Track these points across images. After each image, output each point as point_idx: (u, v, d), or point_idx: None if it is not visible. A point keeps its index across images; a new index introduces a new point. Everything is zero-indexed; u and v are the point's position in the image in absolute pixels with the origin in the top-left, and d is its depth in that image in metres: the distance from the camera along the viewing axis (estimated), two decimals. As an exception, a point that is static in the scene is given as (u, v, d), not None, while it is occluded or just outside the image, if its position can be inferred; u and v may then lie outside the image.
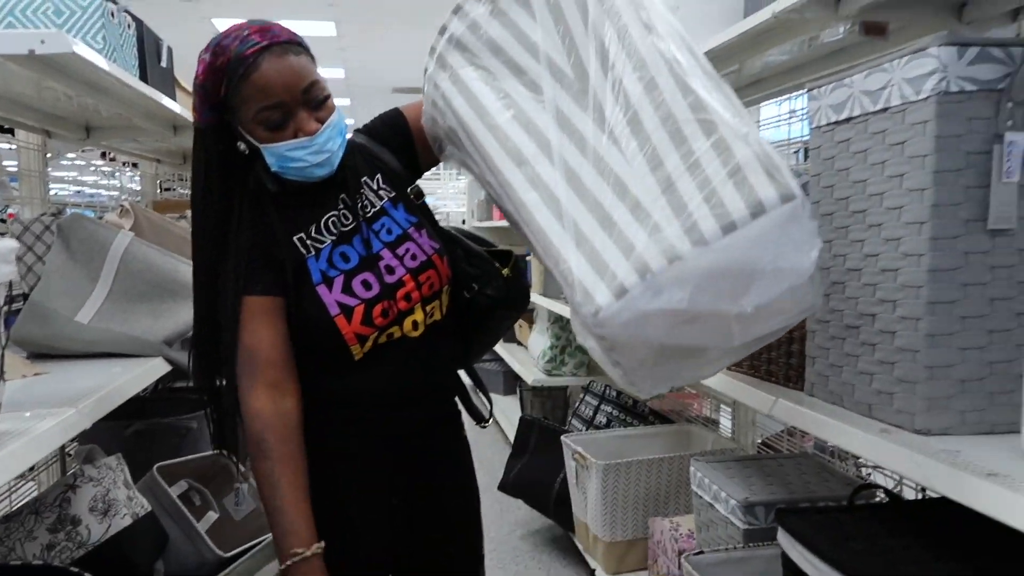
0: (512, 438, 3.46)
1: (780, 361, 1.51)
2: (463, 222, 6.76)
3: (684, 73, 1.04)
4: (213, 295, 1.30)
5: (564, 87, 1.13)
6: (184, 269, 1.80)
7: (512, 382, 5.00)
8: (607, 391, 3.28)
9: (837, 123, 1.29)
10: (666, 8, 1.14)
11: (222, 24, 7.78)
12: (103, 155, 3.72)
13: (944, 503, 1.27)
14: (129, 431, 2.16)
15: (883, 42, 1.37)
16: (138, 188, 3.54)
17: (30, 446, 1.02)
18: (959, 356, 1.11)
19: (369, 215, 1.37)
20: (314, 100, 1.27)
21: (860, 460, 2.25)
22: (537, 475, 3.18)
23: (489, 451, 4.39)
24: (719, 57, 1.75)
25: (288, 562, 1.22)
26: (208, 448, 2.35)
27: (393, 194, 1.42)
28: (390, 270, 1.33)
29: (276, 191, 1.32)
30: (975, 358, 1.11)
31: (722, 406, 3.15)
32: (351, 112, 12.97)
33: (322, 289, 1.29)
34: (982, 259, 1.09)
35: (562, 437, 2.83)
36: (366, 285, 1.31)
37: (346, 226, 1.35)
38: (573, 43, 1.14)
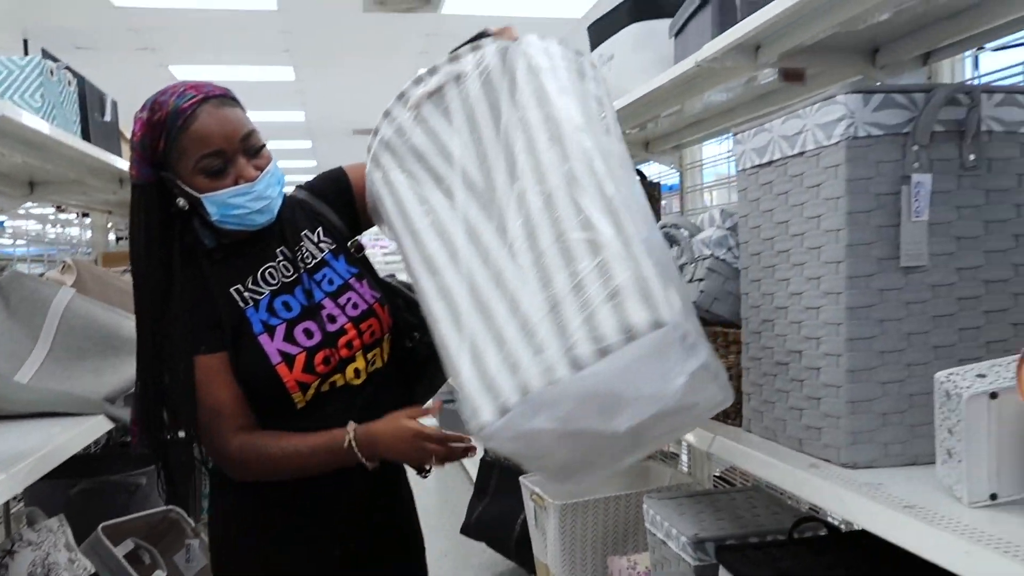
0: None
1: (720, 398, 1.54)
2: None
3: (581, 190, 1.06)
4: (158, 355, 1.30)
5: (475, 196, 1.17)
6: (128, 324, 1.78)
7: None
8: (567, 429, 3.28)
9: (760, 166, 1.33)
10: (579, 109, 1.15)
11: (179, 72, 7.78)
12: (58, 207, 3.68)
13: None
14: (75, 490, 2.12)
15: (803, 87, 1.42)
16: (88, 238, 3.51)
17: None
18: (880, 390, 1.14)
19: (310, 266, 1.39)
20: (252, 148, 1.31)
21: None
22: (498, 517, 3.17)
23: (453, 493, 4.35)
24: (653, 101, 1.80)
25: (350, 441, 1.26)
26: (158, 503, 2.32)
27: (334, 246, 1.44)
28: (332, 319, 1.34)
29: (213, 246, 1.33)
30: (895, 391, 1.14)
31: (681, 441, 3.17)
32: (313, 154, 12.98)
33: (264, 338, 1.31)
34: (897, 295, 1.14)
35: (520, 478, 2.82)
36: (308, 333, 1.32)
37: (287, 277, 1.37)
38: (485, 152, 1.18)
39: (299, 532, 1.38)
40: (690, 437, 1.52)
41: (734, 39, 1.29)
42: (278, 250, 1.38)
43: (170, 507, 2.19)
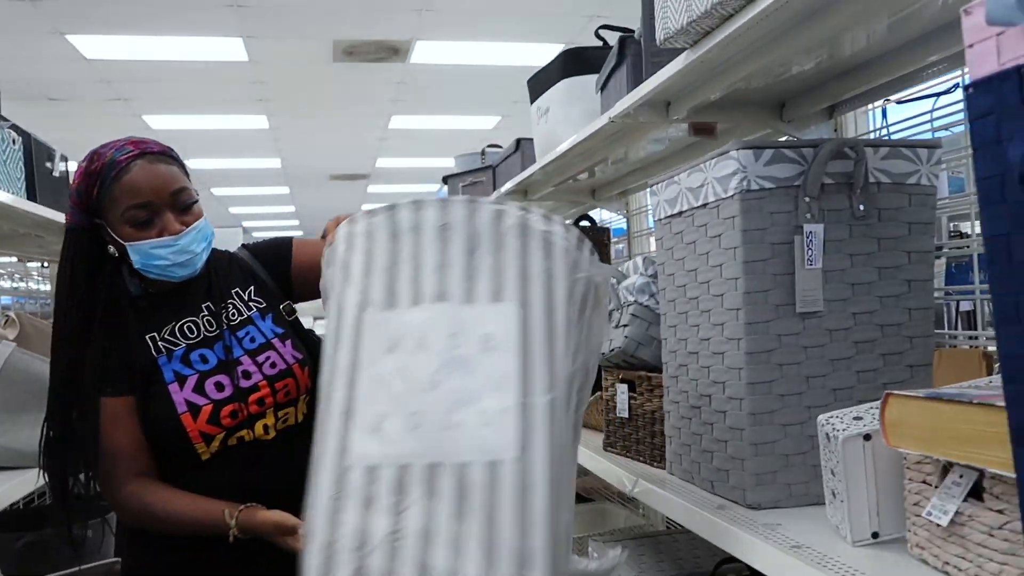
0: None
1: (646, 441, 1.57)
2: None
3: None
4: (68, 395, 1.33)
5: None
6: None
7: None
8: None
9: (672, 216, 1.38)
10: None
11: (153, 121, 7.85)
12: (19, 259, 3.68)
13: None
14: (21, 543, 2.10)
15: (715, 141, 1.48)
16: (48, 289, 3.52)
17: None
18: (781, 432, 1.18)
19: (235, 323, 1.42)
20: (181, 204, 1.36)
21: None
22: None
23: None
24: (584, 153, 1.86)
25: (231, 519, 1.26)
26: (107, 555, 2.30)
27: (263, 305, 1.47)
28: (247, 375, 1.36)
29: (138, 294, 1.38)
30: (796, 433, 1.18)
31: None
32: (291, 199, 13.05)
33: (174, 387, 1.33)
34: (795, 340, 1.18)
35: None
36: (219, 387, 1.34)
37: (210, 332, 1.39)
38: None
39: None
40: (615, 480, 1.55)
41: (642, 95, 1.35)
42: (203, 305, 1.41)
43: (116, 559, 2.18)
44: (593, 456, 1.70)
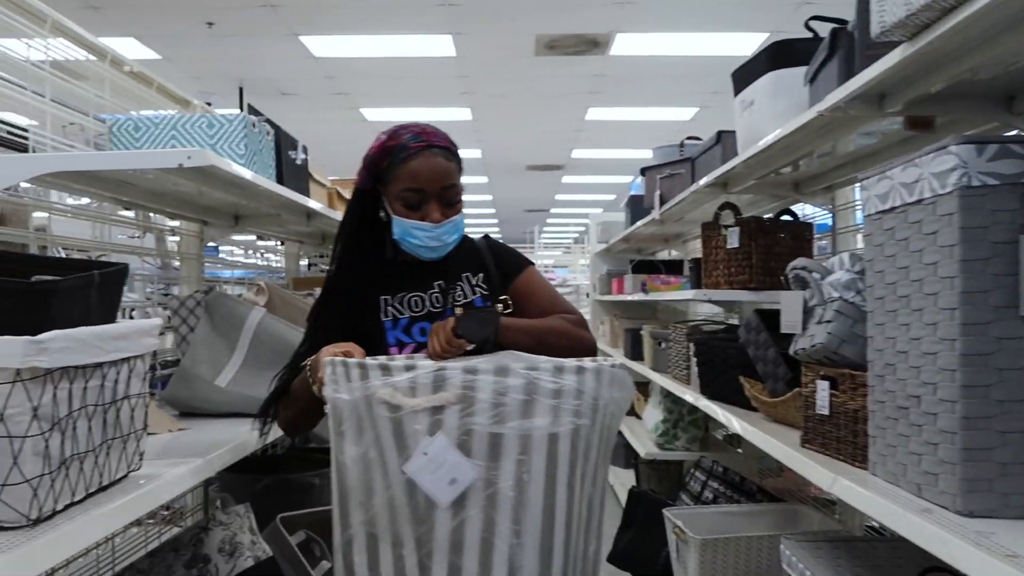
0: (623, 510, 3.50)
1: (847, 440, 1.54)
2: (587, 295, 6.91)
3: None
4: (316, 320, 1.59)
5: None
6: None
7: (631, 455, 5.02)
8: (715, 467, 3.27)
9: (883, 212, 1.35)
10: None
11: (369, 113, 8.47)
12: (258, 236, 4.15)
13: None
14: (260, 485, 2.41)
15: (931, 135, 1.43)
16: (282, 265, 3.95)
17: (160, 489, 1.25)
18: (999, 439, 1.13)
19: (459, 304, 1.59)
20: (447, 198, 1.56)
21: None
22: (643, 548, 3.20)
23: (606, 523, 4.40)
24: (789, 148, 1.84)
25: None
26: (330, 503, 2.59)
27: (487, 294, 1.63)
28: None
29: (390, 258, 1.58)
30: (1017, 441, 1.13)
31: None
32: (489, 188, 13.55)
33: (394, 351, 1.53)
34: (1017, 344, 1.13)
35: (664, 511, 2.86)
36: None
37: (435, 308, 1.56)
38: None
39: None
40: (811, 476, 1.54)
41: (854, 89, 1.33)
42: (435, 283, 1.59)
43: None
44: (790, 452, 1.69)
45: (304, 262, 4.28)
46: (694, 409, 4.03)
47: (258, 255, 3.80)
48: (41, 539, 0.95)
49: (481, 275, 1.64)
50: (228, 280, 3.62)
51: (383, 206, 1.56)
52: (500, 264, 1.68)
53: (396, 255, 1.59)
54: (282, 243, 4.22)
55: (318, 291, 2.64)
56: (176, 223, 2.69)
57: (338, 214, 2.74)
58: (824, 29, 1.88)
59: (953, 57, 1.20)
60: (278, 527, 2.16)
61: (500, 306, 1.59)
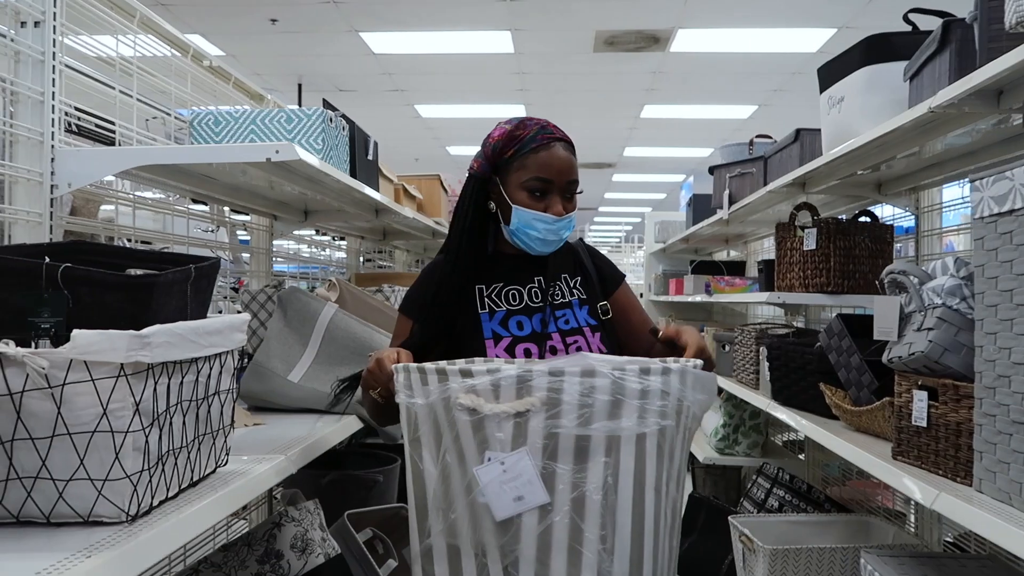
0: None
1: (947, 453, 1.47)
2: (640, 295, 6.83)
3: None
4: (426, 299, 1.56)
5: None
6: (378, 338, 2.03)
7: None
8: (780, 474, 3.19)
9: (1000, 215, 1.28)
10: None
11: (423, 110, 8.50)
12: (317, 231, 4.18)
13: None
14: (325, 480, 2.41)
15: (1054, 132, 1.35)
16: (344, 259, 3.96)
17: (248, 485, 1.24)
18: None
19: (557, 302, 1.56)
20: (569, 192, 1.55)
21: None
22: (703, 555, 3.14)
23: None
24: (885, 145, 1.76)
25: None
26: (393, 500, 2.58)
27: (584, 296, 1.60)
28: (553, 350, 1.47)
29: (491, 251, 1.57)
30: None
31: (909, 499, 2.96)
32: (538, 186, 13.47)
33: (489, 343, 1.50)
34: None
35: (730, 518, 2.79)
36: (527, 353, 1.47)
37: (533, 303, 1.54)
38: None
39: None
40: (911, 491, 1.46)
41: (973, 85, 1.26)
42: (535, 278, 1.57)
43: (401, 504, 2.44)
44: (881, 464, 1.62)
45: (361, 259, 4.29)
46: (756, 413, 3.94)
47: (321, 250, 3.82)
48: (140, 536, 0.94)
49: (579, 278, 1.63)
50: (291, 275, 3.64)
51: (493, 195, 1.54)
52: (600, 270, 1.67)
53: (497, 245, 1.58)
54: (342, 239, 4.25)
55: (387, 287, 2.64)
56: (247, 217, 2.70)
57: (406, 210, 2.73)
58: (924, 23, 1.80)
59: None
60: (346, 524, 2.16)
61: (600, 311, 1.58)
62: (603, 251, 1.69)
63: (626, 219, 17.61)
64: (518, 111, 8.37)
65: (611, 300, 1.63)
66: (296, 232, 2.95)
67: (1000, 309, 1.28)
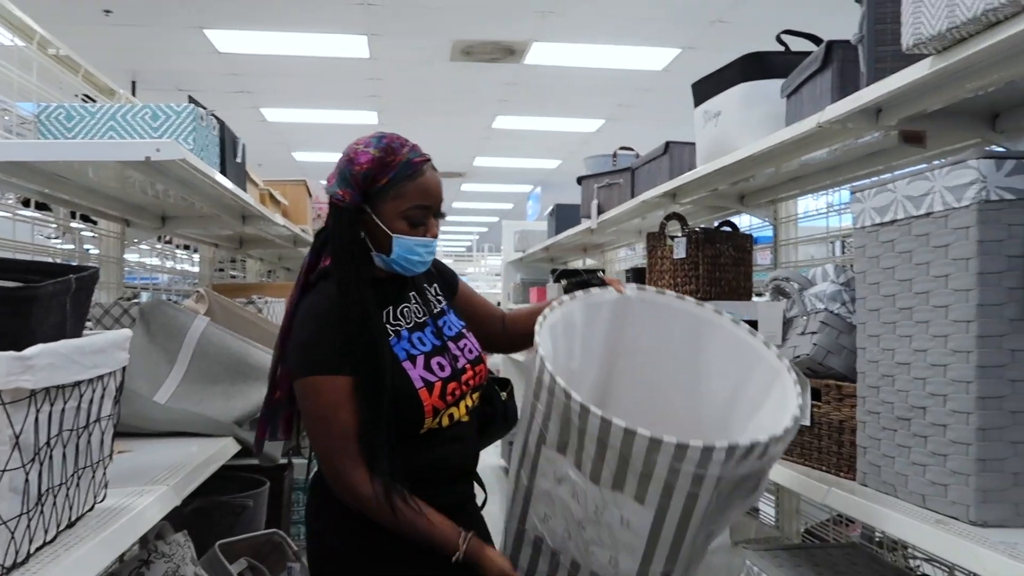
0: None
1: (830, 450, 1.55)
2: (498, 303, 6.87)
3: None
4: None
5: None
6: (255, 353, 1.90)
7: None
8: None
9: (881, 224, 1.37)
10: None
11: (270, 114, 8.15)
12: (166, 240, 3.90)
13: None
14: (189, 508, 2.21)
15: (921, 148, 1.46)
16: (195, 271, 3.70)
17: (133, 523, 1.10)
18: (1011, 450, 1.15)
19: (435, 311, 1.52)
20: (441, 212, 1.52)
21: (909, 551, 2.24)
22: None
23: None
24: (761, 159, 1.85)
25: (463, 546, 1.37)
26: (262, 526, 2.41)
27: (446, 302, 1.62)
28: (455, 358, 1.45)
29: (370, 277, 1.47)
30: (1026, 451, 1.15)
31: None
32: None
33: (407, 365, 1.44)
34: (1028, 356, 1.15)
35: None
36: (440, 366, 1.44)
37: (419, 318, 1.49)
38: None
39: (400, 553, 1.43)
40: (801, 488, 1.54)
41: (860, 103, 1.34)
42: (410, 294, 1.53)
43: (274, 530, 2.29)
44: (767, 462, 1.68)
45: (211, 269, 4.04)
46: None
47: (165, 259, 3.54)
48: (20, 591, 0.80)
49: (436, 284, 1.63)
50: (142, 287, 3.35)
51: (363, 225, 1.45)
52: (442, 274, 1.68)
53: (371, 273, 1.50)
54: (187, 247, 3.97)
55: (258, 299, 2.48)
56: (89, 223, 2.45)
57: (276, 216, 2.58)
58: (795, 44, 1.91)
59: (953, 80, 1.22)
60: (218, 555, 1.99)
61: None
62: (448, 261, 1.71)
63: (475, 228, 17.75)
64: (370, 118, 8.21)
65: (458, 297, 1.67)
66: (136, 241, 2.71)
67: (883, 313, 1.37)
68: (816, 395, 1.60)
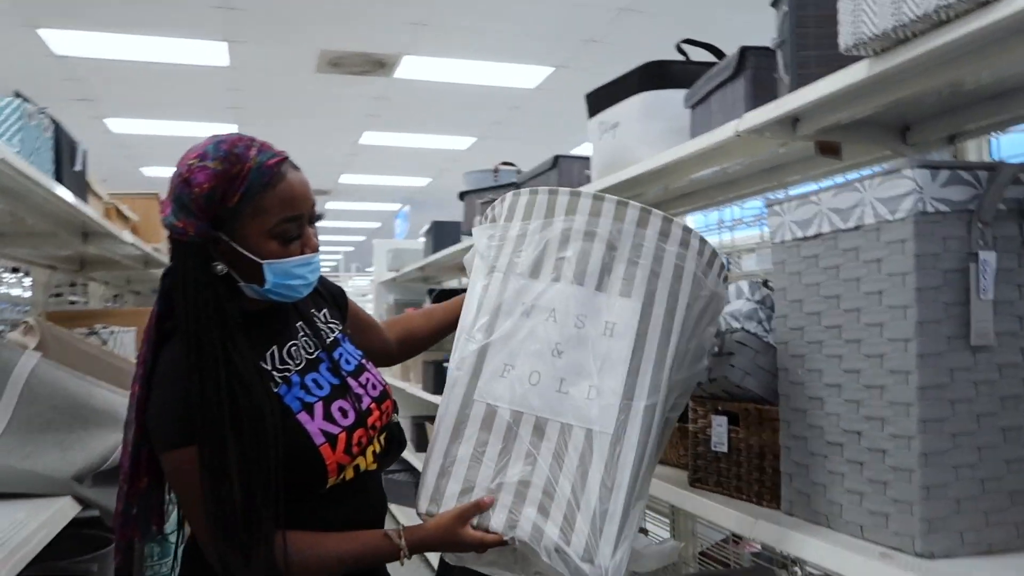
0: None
1: (751, 477, 1.47)
2: (370, 326, 6.60)
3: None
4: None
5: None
6: (99, 394, 1.62)
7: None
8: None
9: (804, 239, 1.30)
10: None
11: (115, 124, 7.53)
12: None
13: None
14: (18, 577, 1.88)
15: (836, 160, 1.41)
16: (28, 296, 3.26)
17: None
18: (953, 475, 1.09)
19: (328, 342, 1.29)
20: (314, 217, 1.24)
21: (807, 568, 2.22)
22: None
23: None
24: (662, 173, 1.77)
25: (401, 540, 1.17)
26: (109, 591, 2.09)
27: (340, 327, 1.38)
28: (358, 398, 1.24)
29: (238, 319, 1.18)
30: (967, 476, 1.10)
31: (657, 516, 3.08)
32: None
33: (303, 417, 1.18)
34: (967, 375, 1.10)
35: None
36: (343, 412, 1.22)
37: (310, 354, 1.26)
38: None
39: None
40: (724, 519, 1.44)
41: (780, 112, 1.27)
42: (297, 325, 1.28)
43: (124, 597, 1.98)
44: (680, 492, 1.58)
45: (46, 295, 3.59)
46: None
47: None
48: None
49: (325, 309, 1.37)
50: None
51: (220, 254, 1.16)
52: (332, 294, 1.44)
53: (243, 309, 1.20)
54: (16, 270, 3.53)
55: (102, 329, 2.16)
56: None
57: (124, 233, 2.27)
58: (696, 54, 1.85)
59: (870, 91, 1.16)
60: (54, 634, 1.68)
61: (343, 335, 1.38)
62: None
63: (341, 248, 17.25)
64: (229, 130, 7.72)
65: (350, 319, 1.44)
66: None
67: (807, 331, 1.30)
68: (734, 420, 1.52)
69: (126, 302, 4.60)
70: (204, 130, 7.73)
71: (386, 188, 10.98)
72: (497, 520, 1.15)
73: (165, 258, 1.59)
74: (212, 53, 5.59)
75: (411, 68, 6.05)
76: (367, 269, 12.49)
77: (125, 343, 2.02)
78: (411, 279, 5.48)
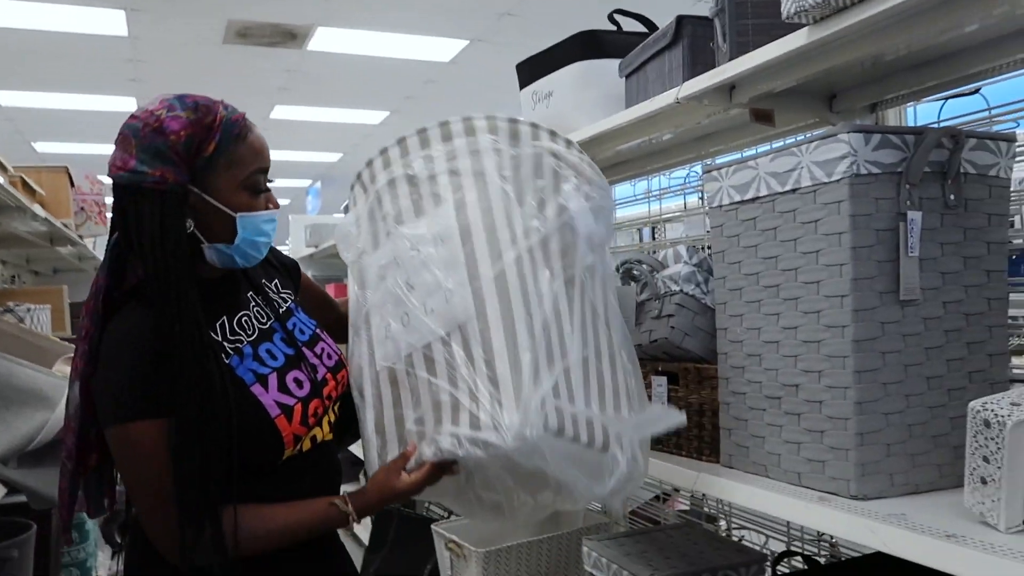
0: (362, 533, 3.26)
1: (690, 434, 1.53)
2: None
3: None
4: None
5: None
6: (20, 372, 1.54)
7: (354, 468, 4.74)
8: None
9: (741, 202, 1.35)
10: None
11: (5, 97, 7.06)
12: None
13: (856, 564, 1.33)
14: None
15: (770, 126, 1.47)
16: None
17: None
18: (884, 421, 1.17)
19: (282, 312, 1.27)
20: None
21: (733, 521, 2.32)
22: (400, 569, 3.00)
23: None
24: (600, 140, 1.80)
25: (348, 507, 1.17)
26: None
27: (293, 296, 1.37)
28: (313, 369, 1.22)
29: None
30: (897, 422, 1.17)
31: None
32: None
33: (257, 389, 1.15)
34: (896, 328, 1.17)
35: (433, 526, 2.69)
36: (298, 383, 1.20)
37: (263, 324, 1.23)
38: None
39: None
40: (667, 475, 1.49)
41: (719, 80, 1.31)
42: (248, 294, 1.25)
43: (48, 586, 1.90)
44: (624, 452, 1.63)
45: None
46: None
47: None
48: None
49: (276, 279, 1.37)
50: None
51: (191, 210, 1.15)
52: (284, 264, 1.44)
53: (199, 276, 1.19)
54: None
55: (16, 307, 2.04)
56: None
57: (36, 207, 2.14)
58: (628, 24, 1.88)
59: (805, 59, 1.21)
60: (-24, 627, 1.60)
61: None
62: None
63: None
64: (128, 104, 7.38)
65: (302, 289, 1.46)
66: None
67: (745, 292, 1.35)
68: (674, 379, 1.57)
69: (24, 282, 4.35)
70: (101, 104, 7.37)
71: (297, 164, 10.70)
72: (425, 453, 1.16)
73: (73, 234, 1.51)
74: (109, 21, 5.30)
75: (323, 40, 5.90)
76: (281, 245, 12.16)
77: (43, 321, 1.92)
78: (330, 255, 5.38)
